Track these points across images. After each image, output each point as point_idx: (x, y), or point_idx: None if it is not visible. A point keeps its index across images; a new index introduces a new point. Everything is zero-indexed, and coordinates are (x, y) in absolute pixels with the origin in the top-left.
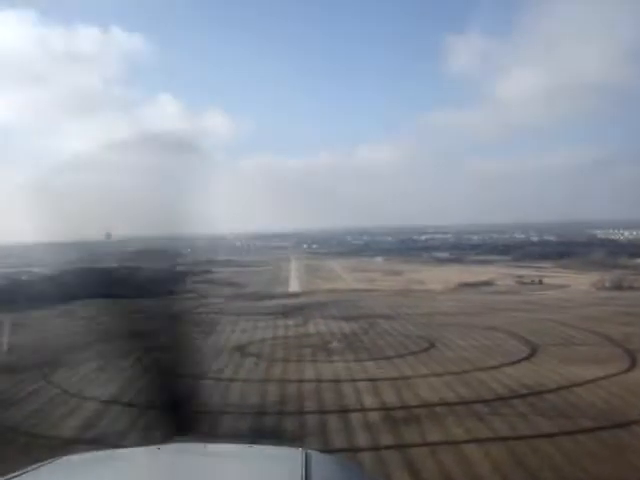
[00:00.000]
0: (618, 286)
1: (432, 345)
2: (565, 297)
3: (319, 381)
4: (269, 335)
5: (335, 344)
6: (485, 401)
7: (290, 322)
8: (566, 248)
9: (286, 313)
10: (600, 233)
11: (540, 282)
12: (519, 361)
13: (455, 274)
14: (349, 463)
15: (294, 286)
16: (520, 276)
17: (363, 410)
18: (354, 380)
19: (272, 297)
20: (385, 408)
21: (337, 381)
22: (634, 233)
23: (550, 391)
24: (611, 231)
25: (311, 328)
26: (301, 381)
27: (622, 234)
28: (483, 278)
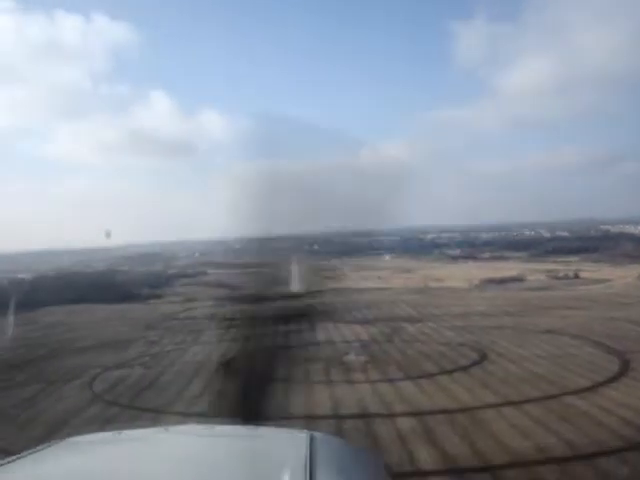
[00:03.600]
0: None
1: (484, 356)
2: (615, 292)
3: (338, 417)
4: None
5: (353, 356)
6: (614, 452)
7: (292, 328)
8: (586, 243)
9: (287, 317)
10: (612, 228)
11: (576, 276)
12: (616, 378)
13: (474, 271)
14: (355, 446)
15: (296, 286)
16: (551, 271)
17: (421, 475)
18: (391, 415)
19: (270, 299)
20: (457, 469)
21: (365, 416)
22: None
23: None
24: (622, 226)
25: (319, 335)
26: (311, 417)
27: (637, 228)
28: (509, 274)
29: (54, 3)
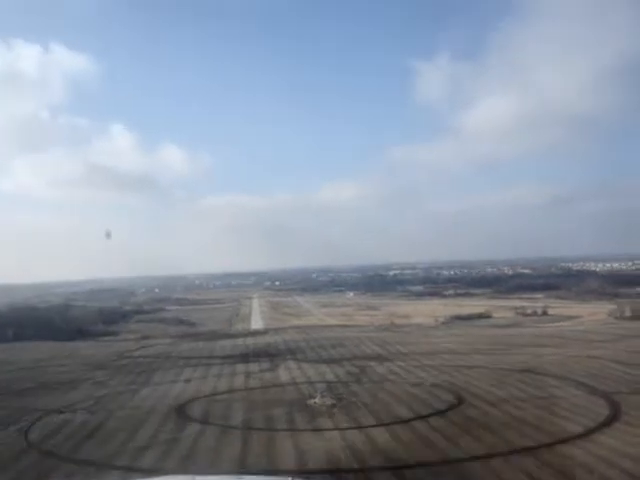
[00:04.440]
0: None
1: (461, 399)
2: (585, 329)
3: (303, 472)
4: (223, 387)
5: (319, 399)
6: None
7: (253, 368)
8: (549, 280)
9: (247, 356)
10: (573, 266)
11: (545, 313)
12: (608, 423)
13: (440, 307)
14: None
15: (257, 323)
16: (519, 307)
17: None
18: (364, 469)
19: (230, 336)
20: None
21: (335, 471)
22: (607, 265)
23: None
24: (583, 264)
25: (282, 376)
26: (274, 473)
27: (597, 266)
28: (476, 311)
29: (12, 32)
